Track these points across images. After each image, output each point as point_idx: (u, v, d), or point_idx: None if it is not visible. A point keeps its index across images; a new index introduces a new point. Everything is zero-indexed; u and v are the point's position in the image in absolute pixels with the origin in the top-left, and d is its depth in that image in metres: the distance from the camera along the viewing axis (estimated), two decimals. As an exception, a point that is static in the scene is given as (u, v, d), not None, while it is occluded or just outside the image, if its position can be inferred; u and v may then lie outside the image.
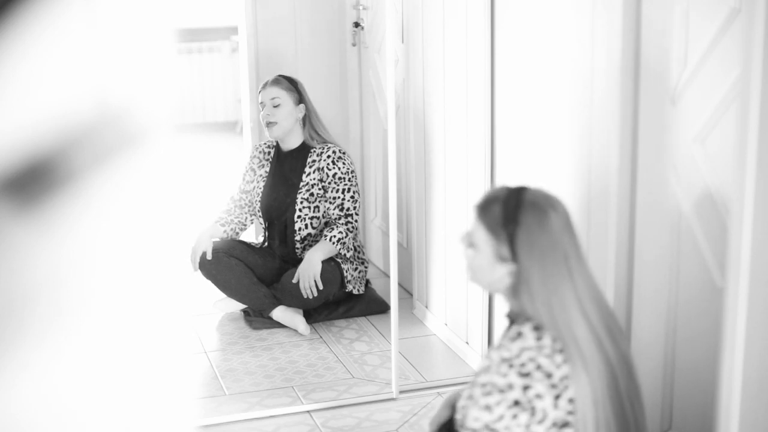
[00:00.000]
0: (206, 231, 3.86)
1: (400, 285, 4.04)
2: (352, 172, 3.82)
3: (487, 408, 1.90)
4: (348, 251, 3.79)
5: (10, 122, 0.72)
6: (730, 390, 2.00)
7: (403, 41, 3.93)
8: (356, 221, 3.82)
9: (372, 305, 3.95)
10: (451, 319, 3.69)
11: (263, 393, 3.28)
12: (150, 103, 0.81)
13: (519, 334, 1.93)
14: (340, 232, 3.75)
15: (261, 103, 3.84)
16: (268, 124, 3.82)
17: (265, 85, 3.86)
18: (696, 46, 2.33)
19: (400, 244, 4.15)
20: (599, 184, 2.63)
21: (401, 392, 3.26)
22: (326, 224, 3.84)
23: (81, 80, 0.76)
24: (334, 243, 3.73)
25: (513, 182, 2.10)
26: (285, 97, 3.81)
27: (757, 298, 1.94)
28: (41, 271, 0.75)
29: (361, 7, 4.32)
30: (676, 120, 2.41)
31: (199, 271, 3.83)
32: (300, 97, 3.85)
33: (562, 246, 1.93)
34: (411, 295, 4.10)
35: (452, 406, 2.31)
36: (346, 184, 3.79)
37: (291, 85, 3.85)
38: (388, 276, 4.17)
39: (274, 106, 3.81)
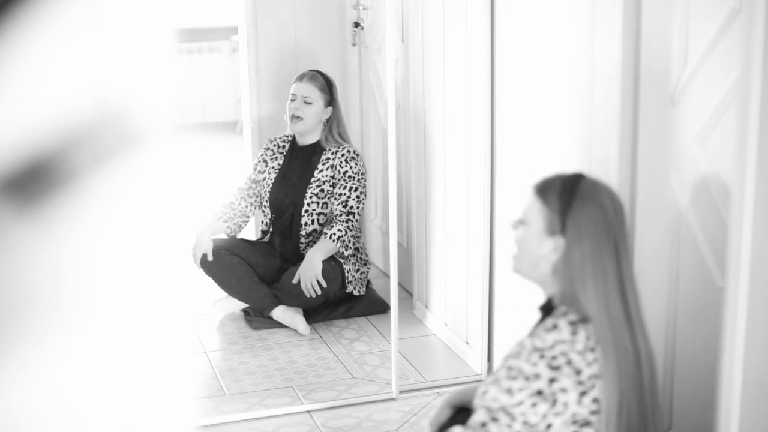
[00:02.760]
0: (206, 229, 3.85)
1: (400, 285, 4.04)
2: (363, 174, 3.83)
3: (509, 391, 1.90)
4: (347, 249, 3.78)
5: (10, 122, 0.72)
6: (730, 390, 2.00)
7: (403, 41, 3.93)
8: (357, 221, 3.82)
9: (372, 305, 3.95)
10: (451, 319, 3.69)
11: (263, 393, 3.28)
12: (150, 103, 0.81)
13: (554, 326, 1.92)
14: (339, 230, 3.75)
15: (293, 94, 3.85)
16: (293, 118, 3.83)
17: (302, 78, 3.86)
18: (696, 46, 2.33)
19: (400, 244, 4.15)
20: (599, 184, 2.63)
21: (401, 392, 3.26)
22: (328, 221, 3.85)
23: (81, 80, 0.76)
24: (333, 240, 3.73)
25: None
26: (317, 97, 3.83)
27: (757, 298, 1.94)
28: (41, 271, 0.75)
29: (361, 7, 4.32)
30: (676, 120, 2.41)
31: (200, 268, 3.83)
32: (331, 100, 3.86)
33: (613, 227, 1.93)
34: (411, 295, 4.10)
35: (452, 407, 2.31)
36: (354, 184, 3.80)
37: (326, 85, 3.86)
38: (388, 276, 4.17)
39: (305, 103, 3.82)
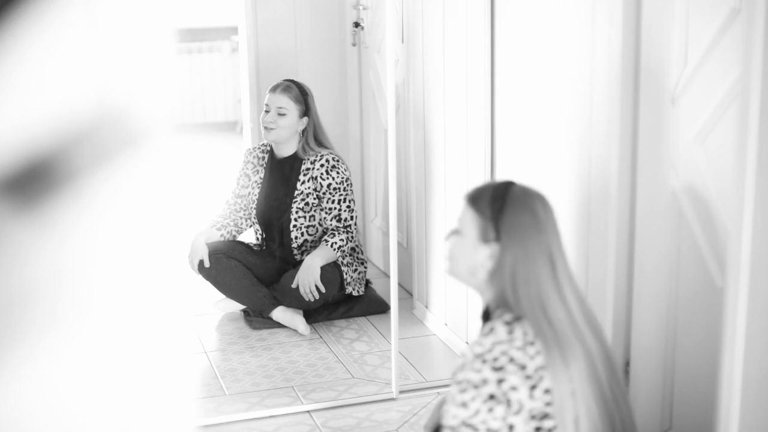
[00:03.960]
0: (201, 236, 3.84)
1: (400, 285, 4.04)
2: (347, 180, 3.80)
3: (464, 405, 1.91)
4: (345, 257, 3.80)
5: (10, 122, 0.72)
6: (730, 390, 2.00)
7: (403, 41, 3.93)
8: (356, 227, 3.81)
9: (372, 305, 3.95)
10: (451, 319, 3.69)
11: (263, 393, 3.28)
12: (150, 103, 0.81)
13: (491, 330, 1.94)
14: (341, 240, 3.75)
15: (266, 105, 3.81)
16: (267, 128, 3.79)
17: (275, 89, 3.81)
18: (696, 46, 2.33)
19: (400, 244, 4.15)
20: (599, 184, 2.63)
21: (401, 392, 3.26)
22: (324, 231, 3.83)
23: (81, 80, 0.76)
24: (335, 249, 3.74)
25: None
26: (291, 108, 3.77)
27: (757, 298, 1.94)
28: (41, 271, 0.75)
29: (361, 7, 4.32)
30: (676, 120, 2.41)
31: (198, 274, 3.83)
32: (306, 110, 3.81)
33: (545, 234, 1.96)
34: (411, 295, 4.10)
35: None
36: (341, 194, 3.78)
37: (301, 95, 3.80)
38: (388, 276, 4.17)
39: (279, 114, 3.78)
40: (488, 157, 3.28)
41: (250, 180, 3.92)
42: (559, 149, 2.85)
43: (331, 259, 3.75)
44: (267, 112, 3.80)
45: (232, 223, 3.91)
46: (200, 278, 3.83)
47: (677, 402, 2.51)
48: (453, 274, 2.08)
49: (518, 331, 1.92)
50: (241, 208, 3.93)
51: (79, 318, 0.79)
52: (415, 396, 3.25)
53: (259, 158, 3.91)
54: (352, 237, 3.79)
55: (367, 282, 3.99)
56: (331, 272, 3.75)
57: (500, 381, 1.89)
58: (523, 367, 1.90)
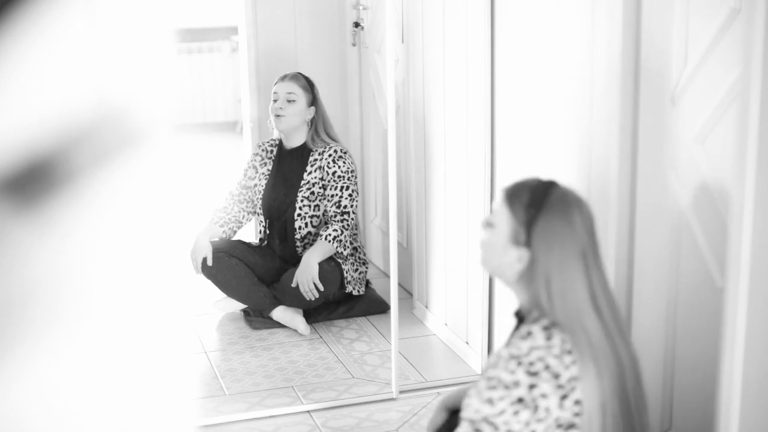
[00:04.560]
0: (204, 234, 3.85)
1: (400, 285, 4.04)
2: (353, 171, 3.82)
3: (490, 401, 1.90)
4: (345, 249, 3.78)
5: (10, 122, 0.72)
6: (730, 390, 2.00)
7: (403, 41, 3.93)
8: (353, 219, 3.81)
9: (372, 305, 3.95)
10: (451, 319, 3.69)
11: (263, 393, 3.28)
12: (150, 103, 0.81)
13: (529, 333, 1.92)
14: (335, 230, 3.74)
15: (275, 93, 3.85)
16: (277, 117, 3.82)
17: (283, 78, 3.87)
18: (696, 46, 2.33)
19: (400, 244, 4.15)
20: (599, 184, 2.63)
21: (401, 392, 3.26)
22: (324, 223, 3.85)
23: (81, 80, 0.76)
24: (330, 241, 3.73)
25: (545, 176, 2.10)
26: (300, 95, 3.83)
27: (757, 298, 1.94)
28: (41, 271, 0.75)
29: (361, 7, 4.32)
30: (676, 120, 2.41)
31: (200, 273, 3.83)
32: (313, 100, 3.86)
33: (580, 242, 1.92)
34: (411, 295, 4.10)
35: (447, 409, 2.31)
36: (345, 183, 3.80)
37: (308, 84, 3.87)
38: (388, 276, 4.17)
39: (288, 101, 3.82)
40: (488, 157, 3.28)
41: (257, 172, 3.94)
42: (559, 149, 2.85)
43: (328, 253, 3.74)
44: (275, 101, 3.83)
45: (233, 218, 3.92)
46: (201, 278, 3.83)
47: (677, 402, 2.51)
48: (484, 265, 2.06)
49: (557, 338, 1.90)
50: (245, 200, 3.95)
51: (79, 318, 0.79)
52: (415, 396, 3.25)
53: (267, 151, 3.94)
54: (347, 225, 3.78)
55: (367, 282, 3.99)
56: (331, 271, 3.75)
57: (532, 386, 1.88)
58: (557, 376, 1.88)
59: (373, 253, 4.48)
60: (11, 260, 0.73)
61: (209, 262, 3.78)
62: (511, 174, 3.16)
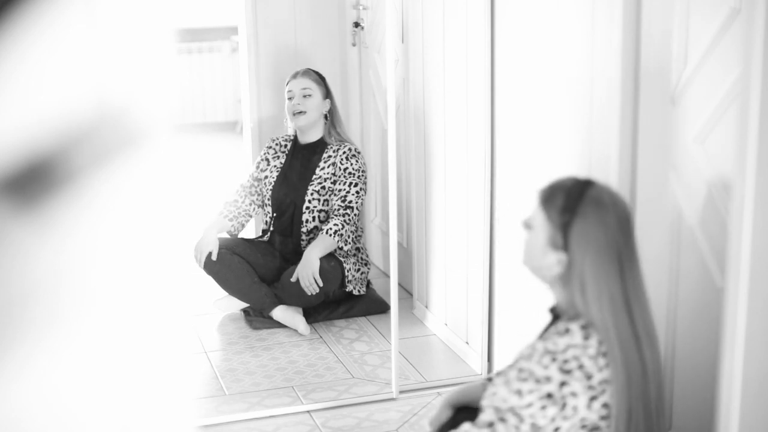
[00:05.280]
0: (212, 227, 3.86)
1: (400, 285, 4.04)
2: (363, 171, 3.84)
3: (518, 393, 1.90)
4: (346, 244, 3.78)
5: (10, 122, 0.72)
6: (730, 390, 2.00)
7: (403, 41, 3.93)
8: (356, 215, 3.81)
9: (372, 305, 3.95)
10: (451, 319, 3.69)
11: (263, 393, 3.28)
12: (150, 103, 0.81)
13: (567, 330, 1.92)
14: (336, 224, 3.75)
15: (289, 91, 3.87)
16: (296, 114, 3.84)
17: (295, 76, 3.89)
18: (696, 46, 2.33)
19: (400, 244, 4.15)
20: (599, 184, 2.62)
21: (401, 392, 3.26)
22: (328, 218, 3.85)
23: (81, 80, 0.76)
24: (330, 235, 3.73)
25: (581, 175, 2.09)
26: (315, 89, 3.87)
27: (757, 298, 1.94)
28: (41, 271, 0.75)
29: (361, 7, 4.32)
30: (676, 120, 2.41)
31: (202, 268, 3.83)
32: (327, 92, 3.90)
33: (616, 244, 1.92)
34: (411, 295, 4.10)
35: (452, 407, 2.31)
36: (354, 180, 3.81)
37: (320, 78, 3.90)
38: (388, 276, 4.17)
39: (304, 96, 3.85)
40: (488, 157, 3.28)
41: (269, 164, 3.95)
42: (559, 149, 2.85)
43: (329, 248, 3.74)
44: (291, 99, 3.85)
45: (243, 212, 3.93)
46: (201, 275, 3.83)
47: (677, 402, 2.51)
48: (525, 265, 2.06)
49: (594, 339, 1.90)
50: (256, 192, 3.96)
51: (79, 318, 0.79)
52: (415, 396, 3.25)
53: (281, 146, 3.96)
54: (349, 220, 3.78)
55: (368, 282, 3.99)
56: (332, 270, 3.75)
57: (563, 384, 1.88)
58: (589, 377, 1.88)
59: (373, 253, 4.48)
60: (11, 260, 0.73)
61: (214, 257, 3.78)
62: (511, 174, 3.16)
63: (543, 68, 2.90)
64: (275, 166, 3.93)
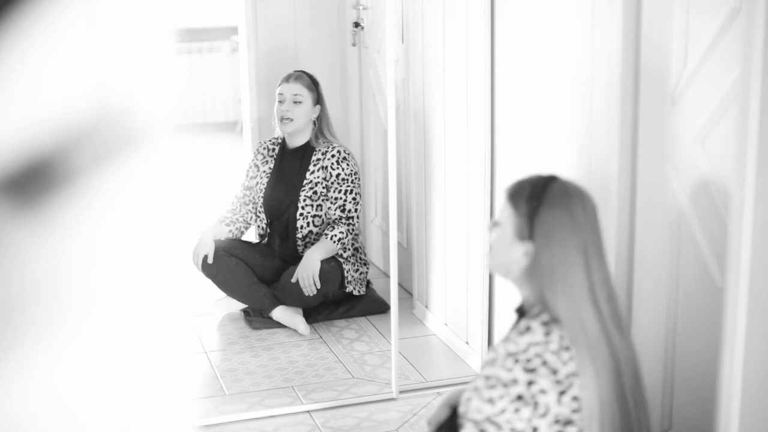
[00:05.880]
0: (209, 231, 3.85)
1: (400, 285, 4.04)
2: (356, 174, 3.83)
3: (490, 401, 1.90)
4: (346, 251, 3.79)
5: (10, 122, 0.72)
6: (730, 390, 2.00)
7: (403, 41, 3.93)
8: (357, 223, 3.82)
9: (372, 305, 3.95)
10: (451, 319, 3.69)
11: (263, 393, 3.28)
12: (150, 103, 0.81)
13: (528, 329, 1.92)
14: (341, 232, 3.75)
15: (280, 94, 3.85)
16: (283, 119, 3.83)
17: (288, 79, 3.87)
18: (696, 46, 2.33)
19: (400, 244, 4.15)
20: (599, 184, 2.63)
21: (401, 392, 3.26)
22: (327, 223, 3.85)
23: (81, 80, 0.76)
24: (334, 242, 3.74)
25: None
26: (306, 96, 3.84)
27: (757, 297, 1.94)
28: (41, 271, 0.75)
29: (361, 7, 4.32)
30: (676, 120, 2.41)
31: (200, 270, 3.83)
32: (318, 98, 3.87)
33: (582, 234, 1.93)
34: (411, 295, 4.10)
35: (450, 406, 2.31)
36: (349, 186, 3.80)
37: (312, 84, 3.87)
38: (388, 276, 4.17)
39: (295, 102, 3.83)
40: (488, 157, 3.28)
41: (259, 170, 3.94)
42: (560, 149, 2.85)
43: (331, 253, 3.75)
44: (281, 102, 3.83)
45: (241, 219, 3.92)
46: (201, 276, 3.83)
47: (677, 402, 2.51)
48: (492, 268, 2.07)
49: (555, 334, 1.90)
50: (249, 201, 3.95)
51: (79, 318, 0.79)
52: (415, 396, 3.25)
53: (269, 150, 3.94)
54: (353, 229, 3.79)
55: (368, 282, 3.99)
56: (332, 271, 3.75)
57: (530, 383, 1.88)
58: (554, 372, 1.89)
59: (373, 253, 4.48)
60: (11, 260, 0.73)
61: (210, 260, 3.78)
62: (511, 174, 3.16)
63: (543, 68, 2.90)
64: (264, 171, 3.92)
